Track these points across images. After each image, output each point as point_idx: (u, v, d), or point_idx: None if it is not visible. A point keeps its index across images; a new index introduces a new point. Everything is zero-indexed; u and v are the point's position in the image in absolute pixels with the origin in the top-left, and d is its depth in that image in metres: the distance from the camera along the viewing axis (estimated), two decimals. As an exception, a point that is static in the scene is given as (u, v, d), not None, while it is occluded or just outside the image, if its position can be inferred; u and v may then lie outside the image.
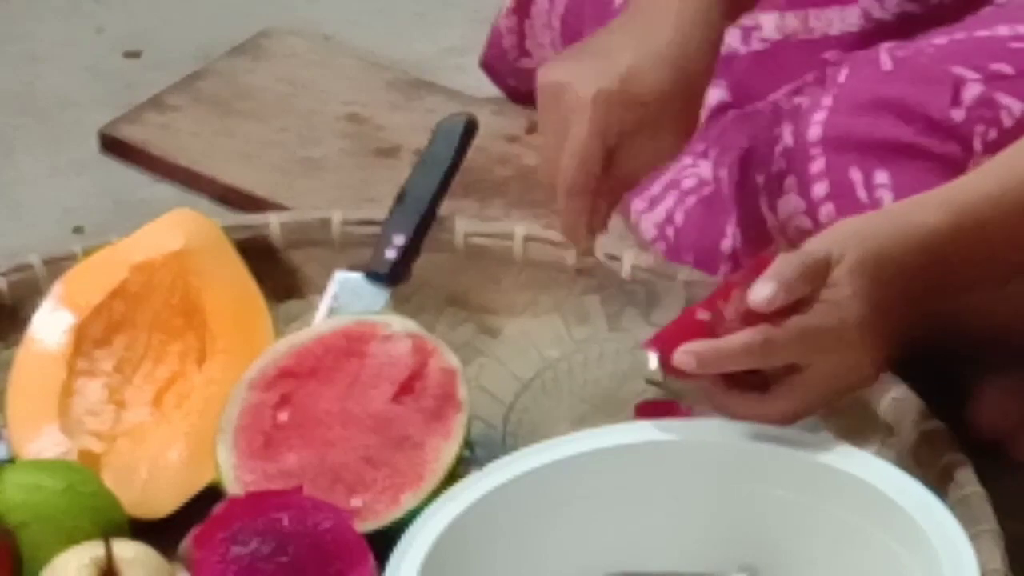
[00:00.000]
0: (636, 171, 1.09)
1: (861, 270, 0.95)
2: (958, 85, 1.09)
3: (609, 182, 1.07)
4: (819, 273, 0.95)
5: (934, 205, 0.99)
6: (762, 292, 0.94)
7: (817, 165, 1.10)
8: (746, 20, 1.23)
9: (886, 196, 1.08)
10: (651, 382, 1.05)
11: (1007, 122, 1.07)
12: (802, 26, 1.23)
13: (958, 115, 1.08)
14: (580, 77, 1.06)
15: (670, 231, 1.19)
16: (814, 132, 1.11)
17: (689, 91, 1.08)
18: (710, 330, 0.97)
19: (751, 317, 0.95)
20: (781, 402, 0.97)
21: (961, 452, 1.05)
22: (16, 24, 1.56)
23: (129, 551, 0.97)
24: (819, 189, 1.10)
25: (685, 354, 0.95)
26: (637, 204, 1.18)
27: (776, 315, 0.94)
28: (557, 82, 1.07)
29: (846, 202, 1.08)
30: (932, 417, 1.07)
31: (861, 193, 1.08)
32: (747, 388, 0.97)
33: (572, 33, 1.29)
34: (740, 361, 0.95)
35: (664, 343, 0.98)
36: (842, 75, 1.14)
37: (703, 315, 0.98)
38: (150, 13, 1.56)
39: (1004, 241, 1.00)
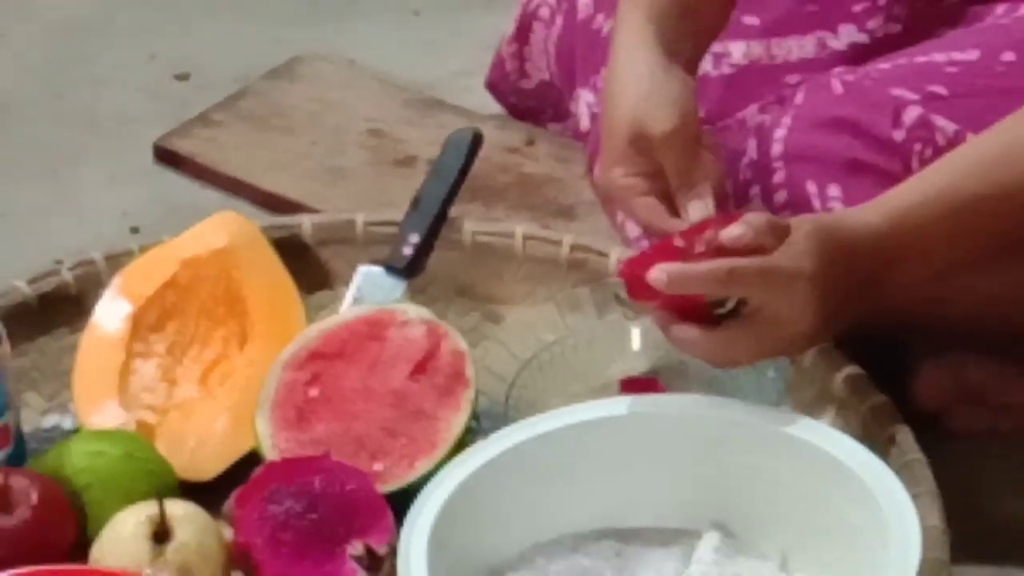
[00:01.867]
0: (689, 170, 1.07)
1: (816, 236, 0.95)
2: (899, 107, 1.08)
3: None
4: (782, 231, 0.95)
5: (875, 208, 1.00)
6: (734, 231, 0.94)
7: (778, 177, 1.10)
8: (717, 47, 1.22)
9: (837, 207, 1.08)
10: (618, 298, 1.05)
11: (941, 141, 1.07)
12: (765, 53, 1.23)
13: (899, 135, 1.08)
14: (598, 174, 1.06)
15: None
16: (776, 148, 1.11)
17: (690, 125, 1.07)
18: (681, 256, 0.96)
19: (720, 252, 0.95)
20: (728, 337, 0.97)
21: (904, 423, 1.05)
22: (80, 51, 1.57)
23: (179, 509, 0.97)
24: (779, 198, 1.10)
25: (659, 271, 0.94)
26: None
27: (740, 253, 0.95)
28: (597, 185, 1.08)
29: (802, 211, 1.07)
30: (879, 393, 1.07)
31: (816, 204, 1.08)
32: (704, 322, 0.97)
33: (565, 58, 1.29)
34: (704, 284, 0.95)
35: (638, 265, 0.98)
36: (799, 97, 1.13)
37: (678, 242, 0.98)
38: (197, 41, 1.57)
39: (935, 240, 1.00)
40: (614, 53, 1.11)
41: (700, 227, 0.99)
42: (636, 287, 0.97)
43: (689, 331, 0.97)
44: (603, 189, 1.08)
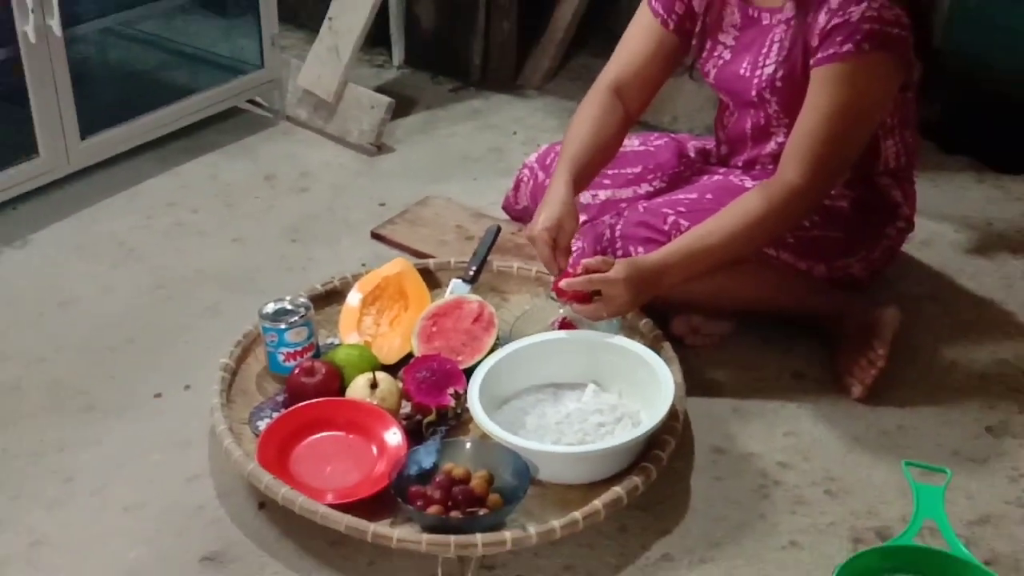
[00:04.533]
0: (560, 249, 1.00)
1: (625, 266, 0.95)
2: (666, 216, 1.04)
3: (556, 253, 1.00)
4: (610, 263, 0.95)
5: (656, 254, 0.98)
6: (589, 263, 0.95)
7: (619, 245, 1.05)
8: (591, 193, 1.14)
9: (642, 253, 1.05)
10: (552, 298, 1.01)
11: (683, 229, 1.02)
12: (612, 196, 1.16)
13: (666, 227, 1.03)
14: (535, 228, 1.00)
15: (573, 262, 1.11)
16: (618, 233, 1.05)
17: (572, 226, 1.01)
18: (570, 277, 0.95)
19: (586, 271, 0.95)
20: (595, 308, 0.96)
21: (667, 341, 1.05)
22: (340, 197, 1.43)
23: (381, 375, 0.98)
24: (620, 253, 1.05)
25: (563, 283, 0.95)
26: None
27: (592, 272, 0.95)
28: (531, 235, 1.00)
29: (629, 257, 1.05)
30: (657, 328, 1.06)
31: (633, 254, 1.03)
32: (585, 301, 0.96)
33: (534, 198, 1.18)
34: (581, 286, 0.95)
35: (556, 283, 0.97)
36: (626, 213, 1.07)
37: (569, 271, 0.97)
38: (388, 191, 1.44)
39: (680, 269, 0.98)
40: (551, 184, 1.04)
41: (575, 266, 0.98)
42: (557, 292, 0.98)
43: (581, 307, 0.97)
44: (528, 239, 1.02)
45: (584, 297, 0.97)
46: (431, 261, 1.21)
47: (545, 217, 1.00)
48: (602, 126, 1.07)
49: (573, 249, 1.08)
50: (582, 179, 1.06)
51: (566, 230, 1.01)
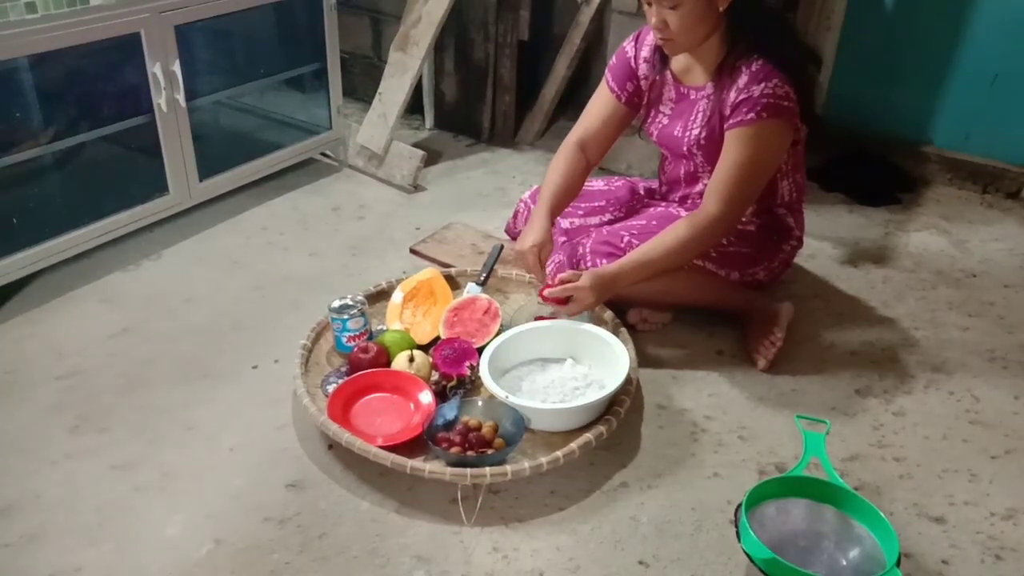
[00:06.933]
0: (542, 262, 1.01)
1: (589, 274, 0.95)
2: (622, 237, 1.03)
3: (541, 266, 1.01)
4: (578, 275, 0.95)
5: (614, 264, 0.97)
6: (564, 276, 0.95)
7: (587, 260, 1.04)
8: (566, 219, 1.12)
9: (606, 264, 1.04)
10: (539, 303, 1.00)
11: (635, 246, 1.00)
12: (583, 222, 1.14)
13: (622, 244, 1.02)
14: (525, 245, 0.99)
15: (552, 273, 1.10)
16: (586, 250, 1.04)
17: (550, 248, 1.01)
18: (552, 287, 0.96)
19: (562, 283, 0.95)
20: (570, 307, 0.96)
21: (624, 328, 1.04)
22: (383, 231, 1.36)
23: (416, 352, 0.97)
24: (588, 265, 1.03)
25: (546, 293, 0.95)
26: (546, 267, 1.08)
27: (566, 283, 0.95)
28: (520, 250, 1.00)
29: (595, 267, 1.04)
30: (617, 319, 1.06)
31: (599, 265, 1.03)
32: (562, 304, 0.96)
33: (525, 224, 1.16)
34: (561, 293, 0.95)
35: (542, 291, 0.97)
36: (593, 235, 1.06)
37: (550, 282, 0.97)
38: (422, 220, 1.40)
39: (631, 275, 0.97)
40: (535, 216, 1.03)
41: (553, 277, 0.98)
42: (543, 298, 0.97)
43: (560, 308, 0.97)
44: (518, 254, 1.01)
45: (562, 301, 0.97)
46: (453, 269, 1.20)
47: (532, 240, 1.01)
48: (570, 173, 1.07)
49: (554, 262, 1.06)
50: (556, 211, 1.06)
51: (546, 250, 1.02)
